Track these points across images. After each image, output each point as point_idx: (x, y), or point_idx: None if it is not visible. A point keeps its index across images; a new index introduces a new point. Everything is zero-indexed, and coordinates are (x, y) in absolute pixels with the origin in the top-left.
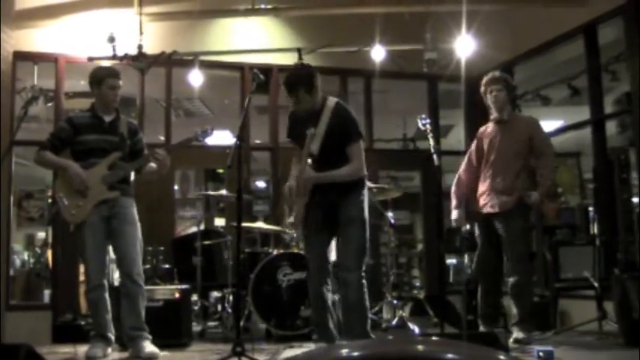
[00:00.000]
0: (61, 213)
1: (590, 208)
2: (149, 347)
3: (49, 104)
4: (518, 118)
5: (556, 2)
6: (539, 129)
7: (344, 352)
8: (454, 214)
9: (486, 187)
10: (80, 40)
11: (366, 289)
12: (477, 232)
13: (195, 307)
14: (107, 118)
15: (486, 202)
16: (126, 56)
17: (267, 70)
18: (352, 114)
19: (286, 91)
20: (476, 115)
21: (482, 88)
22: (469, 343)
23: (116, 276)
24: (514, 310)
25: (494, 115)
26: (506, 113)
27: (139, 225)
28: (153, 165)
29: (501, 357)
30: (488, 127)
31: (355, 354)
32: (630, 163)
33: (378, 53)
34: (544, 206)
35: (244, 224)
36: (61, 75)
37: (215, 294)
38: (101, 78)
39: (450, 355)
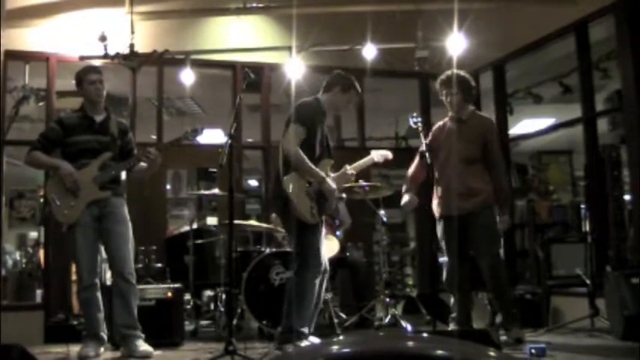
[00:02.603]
0: (53, 213)
1: (582, 206)
2: (142, 346)
3: (41, 104)
4: (477, 118)
5: (547, 0)
6: (493, 135)
7: (334, 348)
8: (406, 198)
9: (448, 189)
10: (72, 39)
11: None
12: (440, 236)
13: (188, 306)
14: (98, 118)
15: (449, 204)
16: (117, 55)
17: (258, 68)
18: None
19: None
20: None
21: (437, 87)
22: (460, 340)
23: (108, 275)
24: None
25: (451, 114)
26: (465, 113)
27: (130, 224)
28: (143, 164)
29: (491, 353)
30: (445, 127)
31: (346, 350)
32: (621, 160)
33: (369, 52)
34: (536, 204)
35: (237, 223)
36: (52, 74)
37: (208, 293)
38: (81, 76)
39: (440, 352)
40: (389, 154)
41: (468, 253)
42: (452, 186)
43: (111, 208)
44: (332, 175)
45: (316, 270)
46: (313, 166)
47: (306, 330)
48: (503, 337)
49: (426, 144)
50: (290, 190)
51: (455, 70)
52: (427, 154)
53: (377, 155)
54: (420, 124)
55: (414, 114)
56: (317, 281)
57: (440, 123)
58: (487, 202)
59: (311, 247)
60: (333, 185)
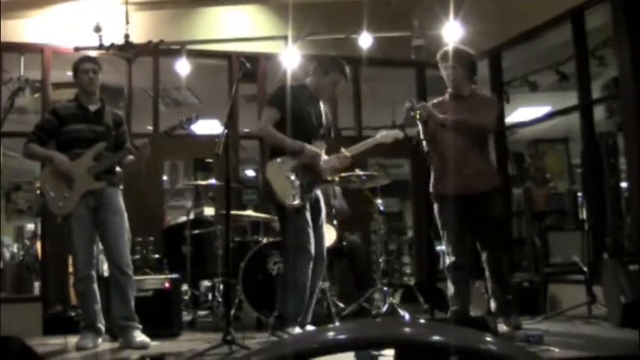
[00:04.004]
0: (48, 205)
1: (579, 194)
2: (140, 337)
3: (36, 95)
4: (479, 95)
5: None
6: (492, 105)
7: (331, 334)
8: None
9: (454, 168)
10: (66, 30)
11: None
12: (440, 217)
13: (186, 297)
14: (92, 108)
15: (458, 183)
16: (112, 46)
17: (254, 58)
18: None
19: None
20: None
21: (438, 61)
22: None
23: (106, 267)
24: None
25: (450, 90)
26: (465, 90)
27: (125, 215)
28: (131, 157)
29: (488, 338)
30: (444, 102)
31: (342, 337)
32: (618, 148)
33: (365, 40)
34: (532, 192)
35: (233, 213)
36: (47, 65)
37: (205, 283)
38: (76, 66)
39: (436, 338)
40: (400, 134)
41: (467, 237)
42: (458, 165)
43: (106, 198)
44: (325, 157)
45: (303, 256)
46: (285, 137)
47: (299, 317)
48: (501, 325)
49: (423, 133)
50: (269, 175)
51: (456, 45)
52: (424, 144)
53: (385, 136)
54: (417, 111)
55: (412, 99)
56: (308, 267)
57: (437, 100)
58: (495, 186)
59: (294, 232)
60: (314, 149)
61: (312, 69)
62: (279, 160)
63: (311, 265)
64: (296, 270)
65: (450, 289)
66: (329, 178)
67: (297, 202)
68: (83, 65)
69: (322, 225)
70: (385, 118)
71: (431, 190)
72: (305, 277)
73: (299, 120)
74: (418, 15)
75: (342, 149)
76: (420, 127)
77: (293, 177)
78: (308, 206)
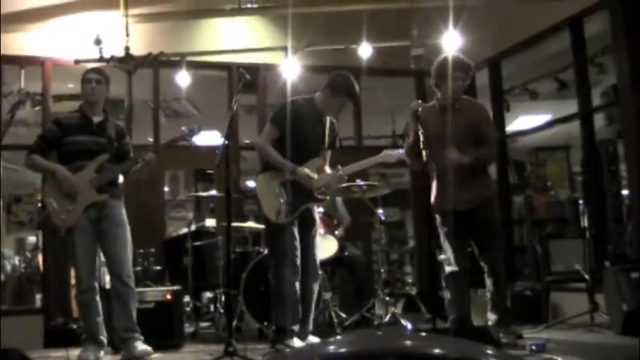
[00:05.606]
0: (50, 217)
1: (580, 201)
2: (141, 346)
3: (37, 108)
4: (469, 103)
5: None
6: (488, 118)
7: (331, 348)
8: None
9: (451, 182)
10: (67, 42)
11: None
12: (440, 229)
13: (187, 308)
14: (95, 120)
15: (454, 198)
16: (113, 58)
17: (254, 69)
18: None
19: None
20: None
21: (440, 68)
22: (458, 338)
23: (107, 278)
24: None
25: (449, 101)
26: (458, 101)
27: (128, 227)
28: (139, 166)
29: (489, 351)
30: (433, 111)
31: (343, 350)
32: (619, 155)
33: (364, 50)
34: (533, 200)
35: (234, 224)
36: (47, 78)
37: (207, 294)
38: (82, 77)
39: (436, 350)
40: (404, 154)
41: (468, 248)
42: (455, 179)
43: (108, 210)
44: (316, 175)
45: (286, 268)
46: (279, 157)
47: (295, 327)
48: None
49: (424, 143)
50: (258, 188)
51: (459, 55)
52: (424, 153)
53: (388, 156)
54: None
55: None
56: (294, 279)
57: (427, 105)
58: (490, 197)
59: (278, 245)
60: (306, 172)
61: (325, 85)
62: (269, 174)
63: (297, 277)
64: (281, 282)
65: (447, 296)
66: (320, 197)
67: (281, 218)
68: (87, 75)
69: (314, 235)
70: (385, 127)
71: (432, 202)
72: (291, 288)
73: (298, 138)
74: (417, 24)
75: (339, 167)
76: (420, 137)
77: (281, 193)
78: (296, 220)
